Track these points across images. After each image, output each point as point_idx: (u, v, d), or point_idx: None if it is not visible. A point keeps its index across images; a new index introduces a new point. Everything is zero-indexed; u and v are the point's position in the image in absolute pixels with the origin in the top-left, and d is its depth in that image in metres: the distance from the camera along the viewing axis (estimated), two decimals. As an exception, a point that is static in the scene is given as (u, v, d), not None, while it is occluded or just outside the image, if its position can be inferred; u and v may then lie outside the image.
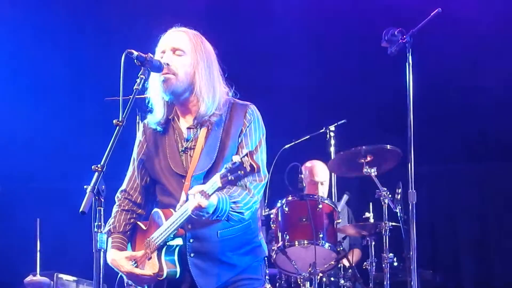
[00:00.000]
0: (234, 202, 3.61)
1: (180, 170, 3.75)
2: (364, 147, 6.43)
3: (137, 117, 5.25)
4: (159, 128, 3.86)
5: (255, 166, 3.28)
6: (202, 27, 3.92)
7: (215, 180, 3.37)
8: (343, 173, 7.05)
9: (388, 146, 6.43)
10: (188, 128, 3.82)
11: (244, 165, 3.28)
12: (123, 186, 4.01)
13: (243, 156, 3.29)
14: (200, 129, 3.78)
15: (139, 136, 3.97)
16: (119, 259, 3.82)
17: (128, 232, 3.96)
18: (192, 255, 3.70)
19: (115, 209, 3.99)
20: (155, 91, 3.79)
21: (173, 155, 3.80)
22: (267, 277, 3.93)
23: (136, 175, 3.95)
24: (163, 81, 3.71)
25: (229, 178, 3.31)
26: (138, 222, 3.97)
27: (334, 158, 7.03)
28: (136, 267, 3.81)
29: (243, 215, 3.68)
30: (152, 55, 3.66)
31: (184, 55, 3.74)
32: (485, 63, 7.75)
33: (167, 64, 3.70)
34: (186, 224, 3.64)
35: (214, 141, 3.74)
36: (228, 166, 3.32)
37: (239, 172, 3.29)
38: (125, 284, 3.97)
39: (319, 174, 7.27)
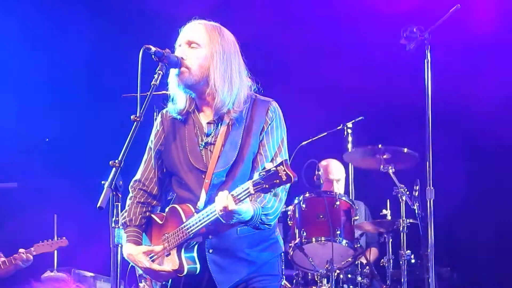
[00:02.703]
0: (265, 215, 3.60)
1: (201, 166, 3.71)
2: (381, 146, 6.41)
3: (154, 113, 5.23)
4: (179, 117, 3.83)
5: (291, 176, 3.24)
6: (217, 21, 3.90)
7: (247, 187, 3.34)
8: (360, 164, 7.03)
9: (405, 150, 6.39)
10: (208, 123, 3.78)
11: (280, 174, 3.24)
12: (138, 176, 3.95)
13: (278, 165, 3.25)
14: (221, 125, 3.74)
15: (157, 125, 3.92)
16: (136, 254, 3.78)
17: (143, 226, 3.93)
18: (210, 251, 3.67)
19: (129, 200, 3.93)
20: (173, 85, 3.76)
21: (192, 148, 3.75)
22: (283, 272, 3.90)
23: (152, 165, 3.90)
24: (177, 75, 3.70)
25: (264, 186, 3.28)
26: (153, 215, 3.92)
27: (351, 151, 7.03)
28: (153, 261, 3.79)
29: (270, 226, 3.70)
30: (169, 51, 3.65)
31: (199, 48, 3.70)
32: (505, 60, 7.69)
33: (182, 58, 3.68)
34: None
35: (236, 138, 3.70)
36: (261, 173, 3.29)
37: (275, 181, 3.25)
38: (137, 276, 3.94)
39: (334, 172, 7.27)
